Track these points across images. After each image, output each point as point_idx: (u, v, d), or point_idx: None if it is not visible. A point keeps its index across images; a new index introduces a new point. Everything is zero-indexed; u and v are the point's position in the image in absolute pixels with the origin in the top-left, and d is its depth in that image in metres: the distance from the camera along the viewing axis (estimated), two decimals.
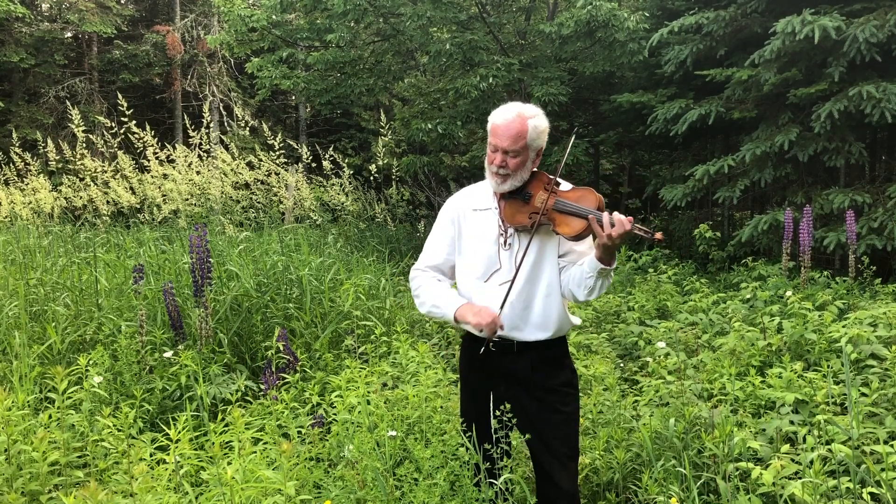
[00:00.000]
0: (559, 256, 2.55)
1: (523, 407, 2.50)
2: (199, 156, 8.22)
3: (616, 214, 2.32)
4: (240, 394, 3.85)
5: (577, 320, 2.64)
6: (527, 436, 2.52)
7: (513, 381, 2.52)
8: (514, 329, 2.48)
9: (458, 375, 2.75)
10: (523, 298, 2.48)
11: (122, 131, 7.94)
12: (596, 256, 2.37)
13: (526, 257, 2.48)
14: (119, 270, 5.76)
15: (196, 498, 2.59)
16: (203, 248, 4.44)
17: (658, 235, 2.35)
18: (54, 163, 8.43)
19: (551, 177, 2.53)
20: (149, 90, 21.48)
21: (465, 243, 2.57)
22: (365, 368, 3.81)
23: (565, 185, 2.53)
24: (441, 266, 2.62)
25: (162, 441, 2.89)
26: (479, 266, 2.52)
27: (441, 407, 3.45)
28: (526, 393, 2.52)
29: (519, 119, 2.45)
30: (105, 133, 9.30)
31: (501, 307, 2.44)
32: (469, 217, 2.58)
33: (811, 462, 2.63)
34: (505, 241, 2.51)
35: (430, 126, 9.96)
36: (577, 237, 2.42)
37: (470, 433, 2.49)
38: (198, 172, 8.06)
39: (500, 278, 2.49)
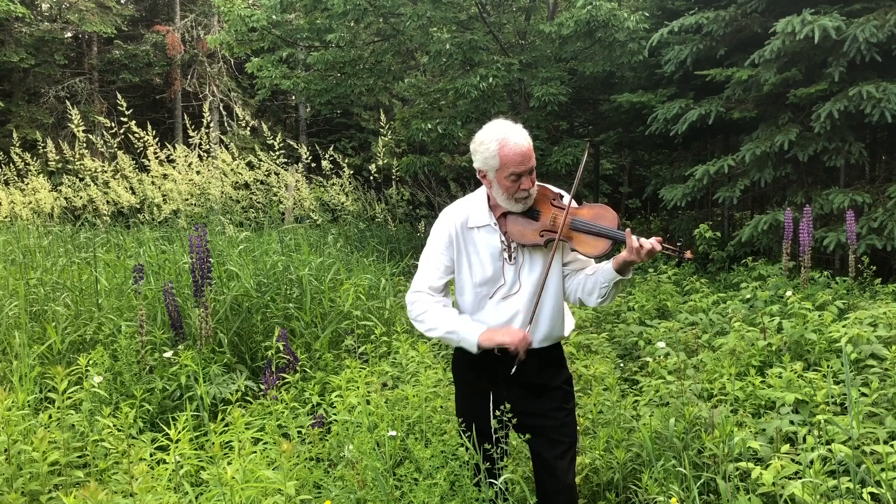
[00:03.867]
0: (563, 265, 2.54)
1: (526, 407, 2.51)
2: (199, 156, 8.22)
3: (643, 239, 2.29)
4: (240, 394, 3.84)
5: (570, 324, 2.65)
6: (527, 435, 2.52)
7: (516, 384, 2.52)
8: None
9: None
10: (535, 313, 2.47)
11: (122, 131, 7.94)
12: (614, 268, 2.36)
13: (531, 272, 2.47)
14: (119, 270, 5.76)
15: (196, 498, 2.60)
16: (203, 248, 4.44)
17: (688, 254, 2.31)
18: (54, 163, 8.43)
19: (554, 190, 2.49)
20: (149, 90, 21.50)
21: (466, 262, 2.52)
22: (365, 368, 3.81)
23: (566, 200, 2.47)
24: (441, 289, 2.55)
25: (162, 441, 2.89)
26: (484, 283, 2.49)
27: (441, 407, 3.45)
28: (530, 393, 2.52)
29: (525, 134, 2.39)
30: (105, 133, 9.30)
31: (530, 323, 2.43)
32: (467, 236, 2.52)
33: (811, 462, 2.63)
34: (510, 256, 2.48)
35: (430, 126, 9.96)
36: (599, 257, 2.40)
37: (469, 433, 2.49)
38: (198, 172, 8.06)
39: (504, 293, 2.47)
